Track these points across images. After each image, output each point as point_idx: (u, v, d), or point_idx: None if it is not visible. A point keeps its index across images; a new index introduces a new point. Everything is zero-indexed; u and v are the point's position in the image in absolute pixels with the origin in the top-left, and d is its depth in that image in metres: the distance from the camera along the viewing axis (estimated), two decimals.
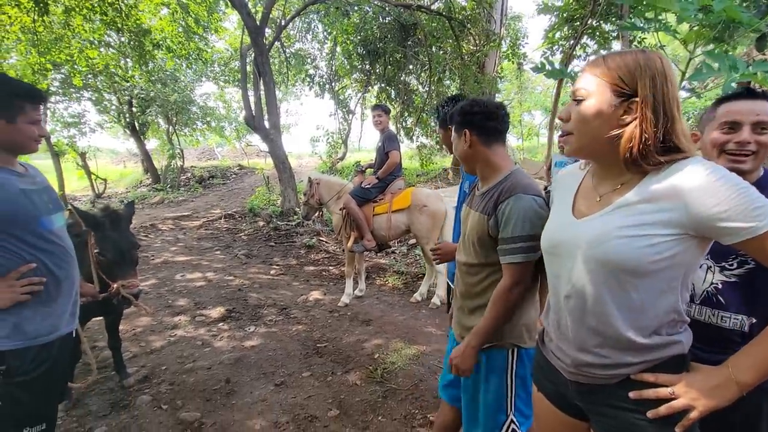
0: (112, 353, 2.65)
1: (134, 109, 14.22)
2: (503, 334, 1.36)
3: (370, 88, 11.31)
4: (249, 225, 8.14)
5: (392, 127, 5.43)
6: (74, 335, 1.54)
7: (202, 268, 5.45)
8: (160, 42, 9.81)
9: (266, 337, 3.37)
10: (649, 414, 0.84)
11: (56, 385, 1.46)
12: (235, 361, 2.95)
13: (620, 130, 0.84)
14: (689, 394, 0.82)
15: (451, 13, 7.73)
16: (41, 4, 6.80)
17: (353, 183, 4.38)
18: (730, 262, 1.15)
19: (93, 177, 12.39)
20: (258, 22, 7.63)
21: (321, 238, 6.93)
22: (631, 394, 0.87)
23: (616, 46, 6.35)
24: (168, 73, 13.48)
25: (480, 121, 1.37)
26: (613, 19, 5.58)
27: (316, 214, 4.83)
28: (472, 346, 1.33)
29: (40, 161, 13.25)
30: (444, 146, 2.28)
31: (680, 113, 0.84)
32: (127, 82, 12.61)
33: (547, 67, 2.23)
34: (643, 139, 0.82)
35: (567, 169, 1.09)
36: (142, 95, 12.92)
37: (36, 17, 7.26)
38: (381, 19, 8.72)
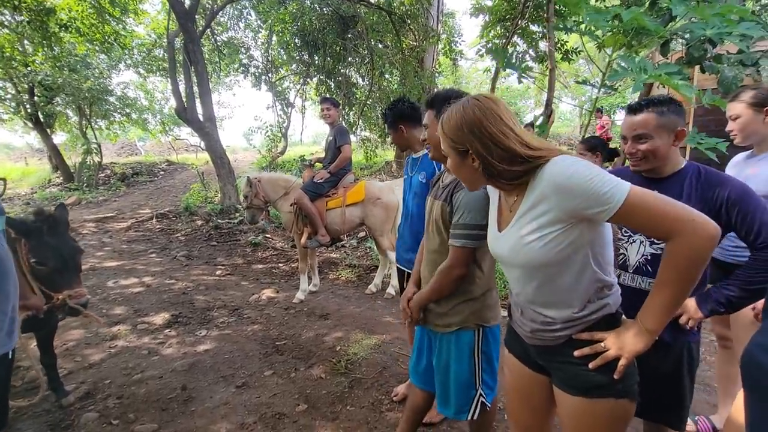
0: (47, 371, 2.38)
1: (37, 98, 12.47)
2: (469, 317, 1.49)
3: (309, 80, 11.06)
4: (186, 224, 7.63)
5: None
6: (10, 356, 1.38)
7: (138, 272, 5.03)
8: (68, 23, 8.74)
9: (220, 339, 3.23)
10: (590, 365, 1.01)
11: None
12: (189, 367, 2.81)
13: (476, 171, 1.06)
14: (616, 345, 1.00)
15: (391, 7, 7.81)
16: None
17: (303, 178, 4.31)
18: None
19: None
20: (187, 7, 7.10)
21: (267, 236, 6.73)
22: (575, 353, 1.04)
23: (542, 45, 6.88)
24: (78, 58, 12.01)
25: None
26: (541, 20, 6.04)
27: (263, 214, 4.53)
28: (416, 302, 1.57)
29: None
30: (395, 145, 2.36)
31: (512, 132, 1.00)
32: (27, 67, 11.03)
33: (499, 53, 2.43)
34: (489, 171, 1.02)
35: None
36: (47, 82, 11.33)
37: None
38: (319, 10, 8.55)
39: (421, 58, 8.49)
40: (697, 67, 2.64)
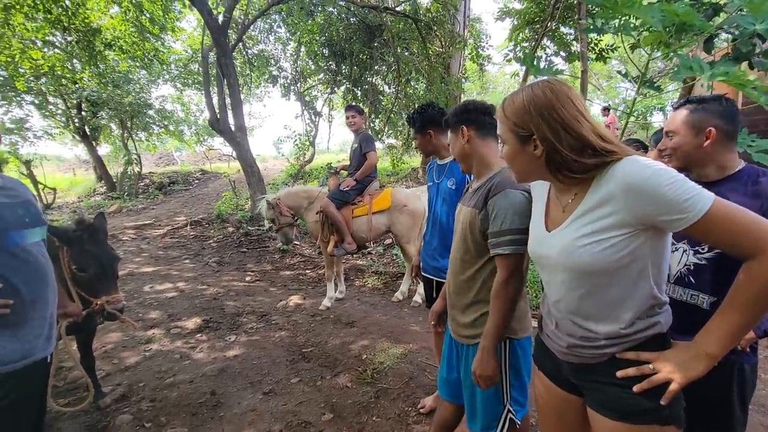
0: (86, 372, 2.49)
1: (84, 113, 13.32)
2: None
3: (336, 89, 11.23)
4: (218, 231, 7.88)
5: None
6: (49, 360, 1.43)
7: (172, 278, 5.22)
8: (112, 42, 9.30)
9: (248, 345, 3.28)
10: (635, 388, 0.92)
11: (25, 417, 1.34)
12: (219, 372, 2.86)
13: (536, 161, 0.97)
14: (667, 368, 0.90)
15: (417, 15, 7.84)
16: None
17: (328, 185, 4.34)
18: (702, 246, 1.26)
19: (40, 186, 11.52)
20: (220, 23, 7.39)
21: (295, 243, 6.82)
22: (618, 374, 0.94)
23: (576, 46, 6.68)
24: (121, 74, 12.74)
25: (476, 117, 1.46)
26: (571, 22, 5.87)
27: (294, 230, 4.50)
28: (487, 350, 1.36)
29: None
30: (420, 151, 2.32)
31: (585, 119, 0.93)
32: (76, 84, 11.80)
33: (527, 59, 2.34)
34: (553, 161, 0.94)
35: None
36: (93, 98, 12.09)
37: None
38: (346, 20, 8.69)
39: (448, 64, 8.44)
40: (744, 64, 2.47)
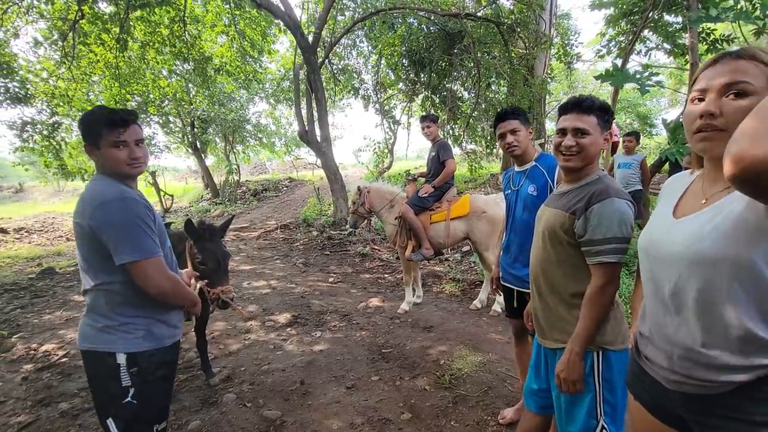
0: (199, 354, 2.90)
1: (196, 130, 15.39)
2: None
3: (415, 97, 11.43)
4: (303, 235, 8.49)
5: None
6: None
7: (266, 276, 5.76)
8: (220, 67, 10.61)
9: (332, 342, 3.51)
10: None
11: (172, 386, 1.61)
12: (307, 364, 3.11)
13: None
14: None
15: (499, 18, 7.67)
16: (121, 42, 7.62)
17: (407, 192, 4.46)
18: None
19: (162, 193, 13.51)
20: (311, 42, 8.03)
21: (374, 247, 7.07)
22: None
23: (684, 38, 5.97)
24: (225, 94, 14.47)
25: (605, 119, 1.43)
26: (678, 10, 5.27)
27: (364, 223, 4.77)
28: (575, 353, 1.33)
29: None
30: (513, 151, 2.18)
31: None
32: (191, 105, 13.70)
33: (612, 71, 2.19)
34: None
35: (677, 176, 1.09)
36: (203, 116, 13.94)
37: (117, 54, 8.14)
38: (426, 30, 8.83)
39: (532, 65, 8.11)
40: None
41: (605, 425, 1.37)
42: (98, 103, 10.15)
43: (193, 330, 2.95)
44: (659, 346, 0.94)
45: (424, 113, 7.52)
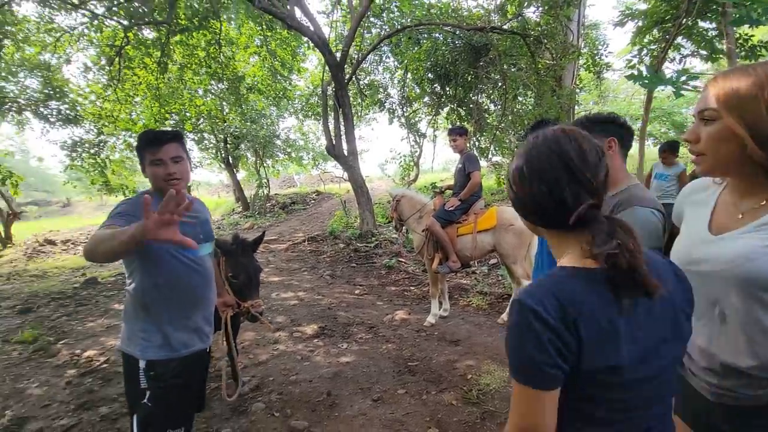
0: (230, 363, 2.97)
1: (228, 146, 16.04)
2: None
3: (440, 110, 11.48)
4: (330, 247, 8.60)
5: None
6: (209, 352, 1.77)
7: (293, 287, 5.86)
8: (252, 86, 11.08)
9: (359, 354, 3.51)
10: None
11: (192, 395, 1.66)
12: (333, 375, 3.13)
13: (744, 154, 0.81)
14: None
15: (526, 30, 7.65)
16: (162, 65, 8.13)
17: (434, 205, 4.46)
18: None
19: None
20: (339, 60, 8.26)
21: (400, 259, 7.07)
22: None
23: (719, 45, 5.75)
24: (256, 111, 15.05)
25: (620, 130, 1.40)
26: (713, 16, 5.09)
27: (403, 228, 4.81)
28: None
29: None
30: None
31: None
32: (224, 122, 14.32)
33: (644, 73, 2.15)
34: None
35: (697, 183, 1.07)
36: (236, 133, 14.54)
37: (158, 75, 8.68)
38: (452, 44, 8.91)
39: (560, 76, 8.00)
40: None
41: None
42: (140, 122, 10.81)
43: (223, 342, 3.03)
44: (701, 360, 0.94)
45: (450, 126, 7.55)
